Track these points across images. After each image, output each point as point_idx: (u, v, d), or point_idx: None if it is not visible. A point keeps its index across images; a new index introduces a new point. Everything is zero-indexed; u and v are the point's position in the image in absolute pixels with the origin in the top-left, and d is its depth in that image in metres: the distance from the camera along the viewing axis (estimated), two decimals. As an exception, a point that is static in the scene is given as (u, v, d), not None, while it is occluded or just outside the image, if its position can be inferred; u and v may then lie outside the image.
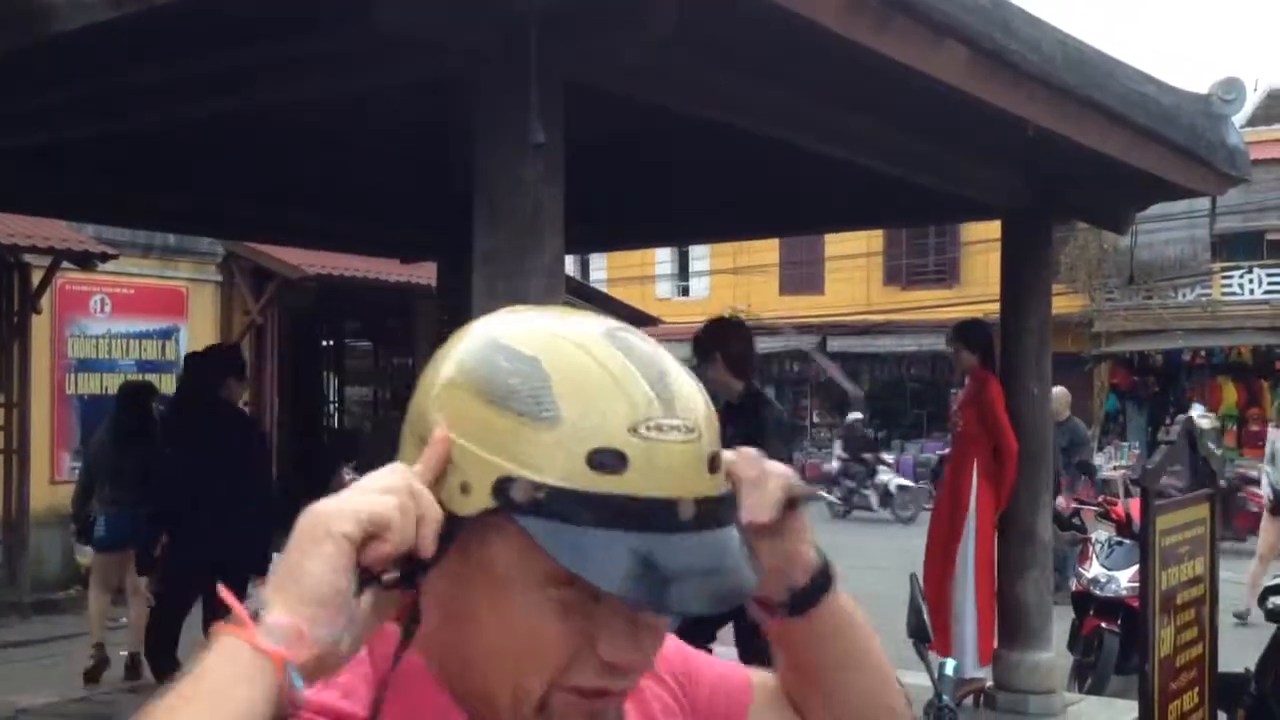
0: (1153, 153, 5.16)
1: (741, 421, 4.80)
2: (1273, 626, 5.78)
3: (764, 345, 25.87)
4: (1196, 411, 16.65)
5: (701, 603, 0.78)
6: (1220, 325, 21.22)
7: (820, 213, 7.54)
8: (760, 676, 1.08)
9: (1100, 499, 8.96)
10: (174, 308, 12.76)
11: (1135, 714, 4.46)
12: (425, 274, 9.99)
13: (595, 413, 0.78)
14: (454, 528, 0.79)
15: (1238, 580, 9.16)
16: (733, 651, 4.99)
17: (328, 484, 12.11)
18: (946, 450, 17.91)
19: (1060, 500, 8.67)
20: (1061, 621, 7.00)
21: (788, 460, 5.03)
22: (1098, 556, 7.42)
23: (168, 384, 9.43)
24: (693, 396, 0.82)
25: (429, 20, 3.10)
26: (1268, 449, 10.52)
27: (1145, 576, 4.29)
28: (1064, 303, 14.37)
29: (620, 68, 3.56)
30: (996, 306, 6.44)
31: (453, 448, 0.80)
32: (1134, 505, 6.93)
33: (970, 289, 21.60)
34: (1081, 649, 7.28)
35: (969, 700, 6.10)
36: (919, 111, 4.51)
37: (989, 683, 6.18)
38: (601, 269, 25.82)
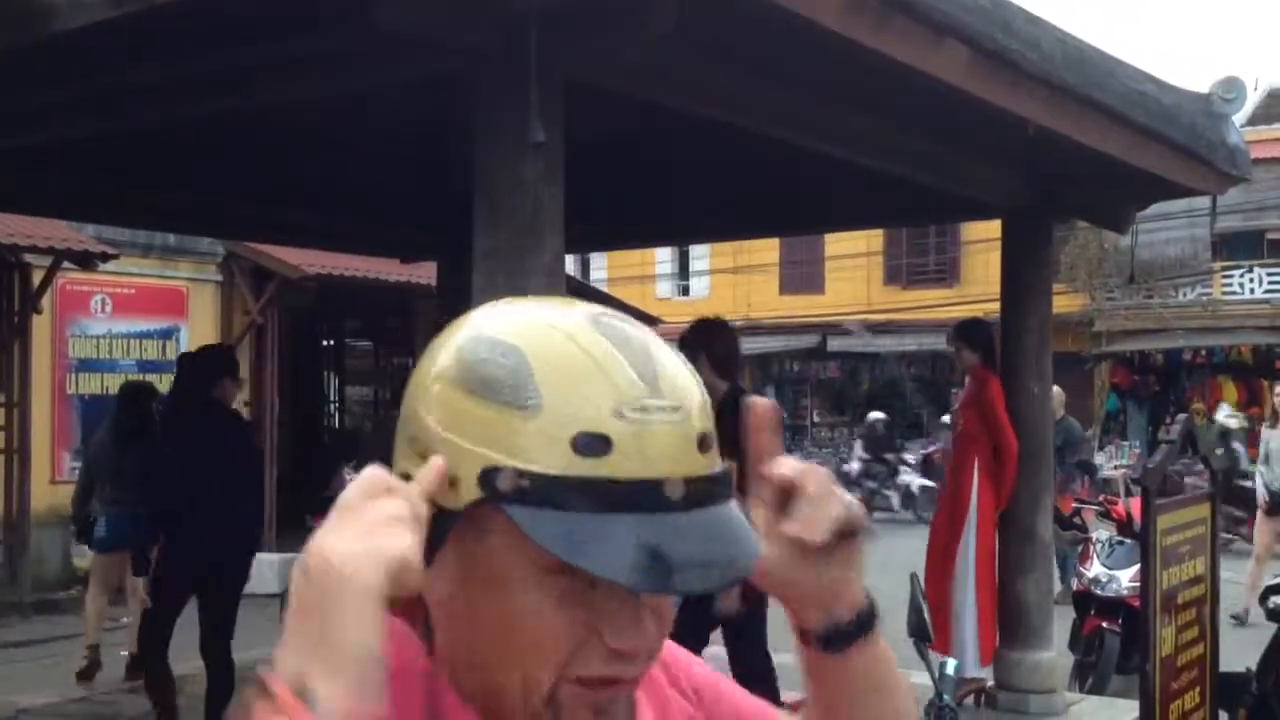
0: (1153, 152, 5.16)
1: (725, 421, 4.80)
2: (1273, 626, 5.78)
3: (766, 344, 25.95)
4: (1224, 412, 16.67)
5: (695, 581, 0.77)
6: (1221, 324, 21.23)
7: (820, 212, 7.54)
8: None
9: (1101, 498, 8.97)
10: (174, 307, 12.77)
11: (1136, 713, 4.46)
12: (425, 273, 10.00)
13: (578, 397, 0.77)
14: (446, 523, 0.79)
15: (1237, 580, 9.16)
16: (722, 651, 5.00)
17: (328, 484, 12.11)
18: (936, 448, 17.99)
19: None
20: (1062, 621, 7.00)
21: None
22: (1099, 556, 7.42)
23: (168, 384, 9.43)
24: (679, 378, 0.82)
25: (429, 19, 3.10)
26: (1261, 449, 10.50)
27: (1146, 576, 4.29)
28: (1064, 302, 14.36)
29: (620, 67, 3.56)
30: (997, 306, 6.43)
31: (439, 442, 0.80)
32: (1135, 505, 6.93)
33: (970, 288, 21.60)
34: (1082, 648, 7.28)
35: (970, 700, 6.09)
36: (919, 111, 4.51)
37: (990, 682, 6.18)
38: (602, 268, 25.83)
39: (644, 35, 3.21)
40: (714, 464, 0.82)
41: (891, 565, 5.00)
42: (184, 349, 10.84)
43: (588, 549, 0.75)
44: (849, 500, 0.90)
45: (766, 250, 24.34)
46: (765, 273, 25.63)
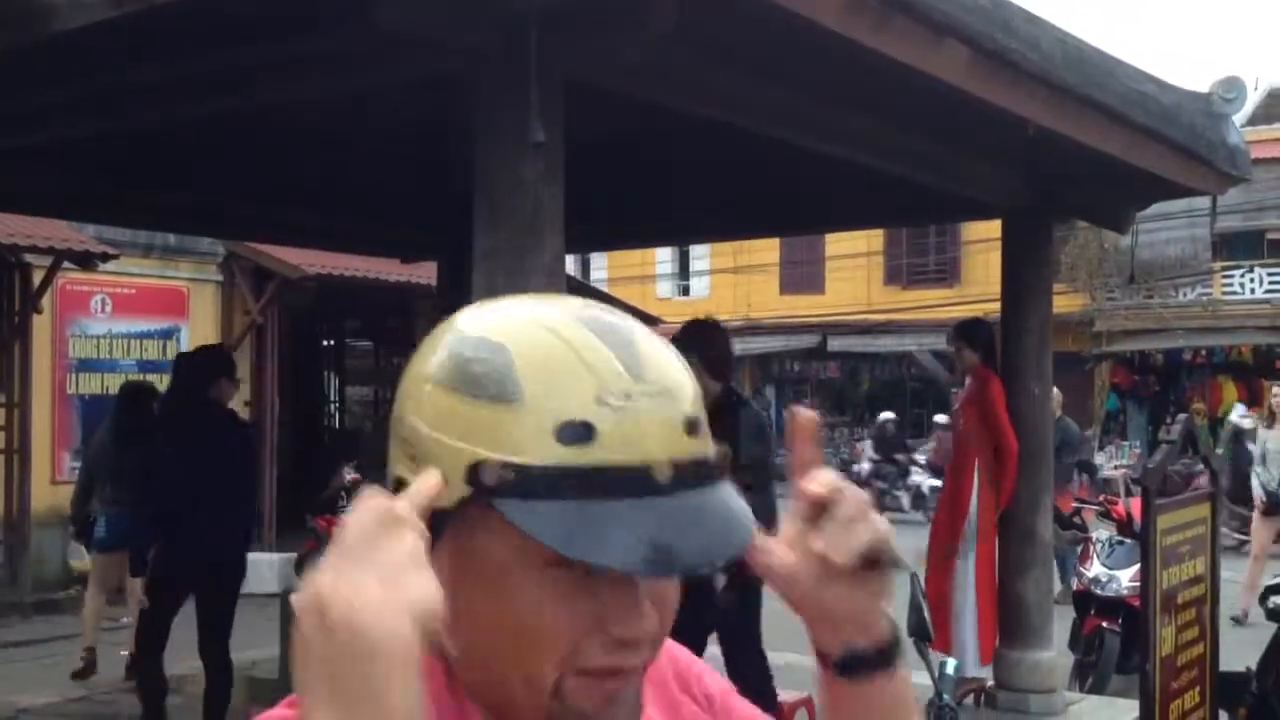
0: (1153, 152, 5.16)
1: (719, 422, 4.81)
2: (1273, 626, 5.78)
3: (766, 344, 25.96)
4: (1238, 412, 16.62)
5: (688, 563, 0.77)
6: (1221, 324, 21.23)
7: (820, 212, 7.54)
8: None
9: (1101, 498, 8.97)
10: (175, 307, 12.77)
11: (1136, 713, 4.46)
12: (425, 273, 10.00)
13: (561, 388, 0.78)
14: (440, 522, 0.79)
15: (1237, 580, 9.16)
16: (717, 653, 5.00)
17: (328, 484, 12.07)
18: (929, 447, 17.93)
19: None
20: (1062, 621, 7.00)
21: (765, 460, 5.06)
22: (1099, 556, 7.42)
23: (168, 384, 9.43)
24: (664, 364, 0.82)
25: (429, 19, 3.10)
26: (1258, 450, 10.49)
27: (1146, 576, 4.29)
28: (1064, 302, 14.35)
29: (620, 67, 3.56)
30: (997, 306, 6.43)
31: (428, 442, 0.80)
32: (1135, 504, 6.93)
33: (971, 288, 21.59)
34: (1082, 648, 7.28)
35: (970, 699, 6.10)
36: (919, 111, 4.51)
37: (990, 682, 6.18)
38: (602, 268, 25.83)
39: (644, 35, 3.22)
40: (705, 447, 0.81)
41: (909, 563, 5.00)
42: (184, 349, 10.85)
43: (578, 537, 0.75)
44: (882, 528, 0.87)
45: (766, 250, 24.33)
46: (765, 273, 25.63)
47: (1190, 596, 4.56)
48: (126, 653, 7.27)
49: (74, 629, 7.95)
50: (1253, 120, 20.19)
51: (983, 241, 19.55)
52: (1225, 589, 5.02)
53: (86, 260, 10.60)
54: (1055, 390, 9.98)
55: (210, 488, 5.42)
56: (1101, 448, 20.74)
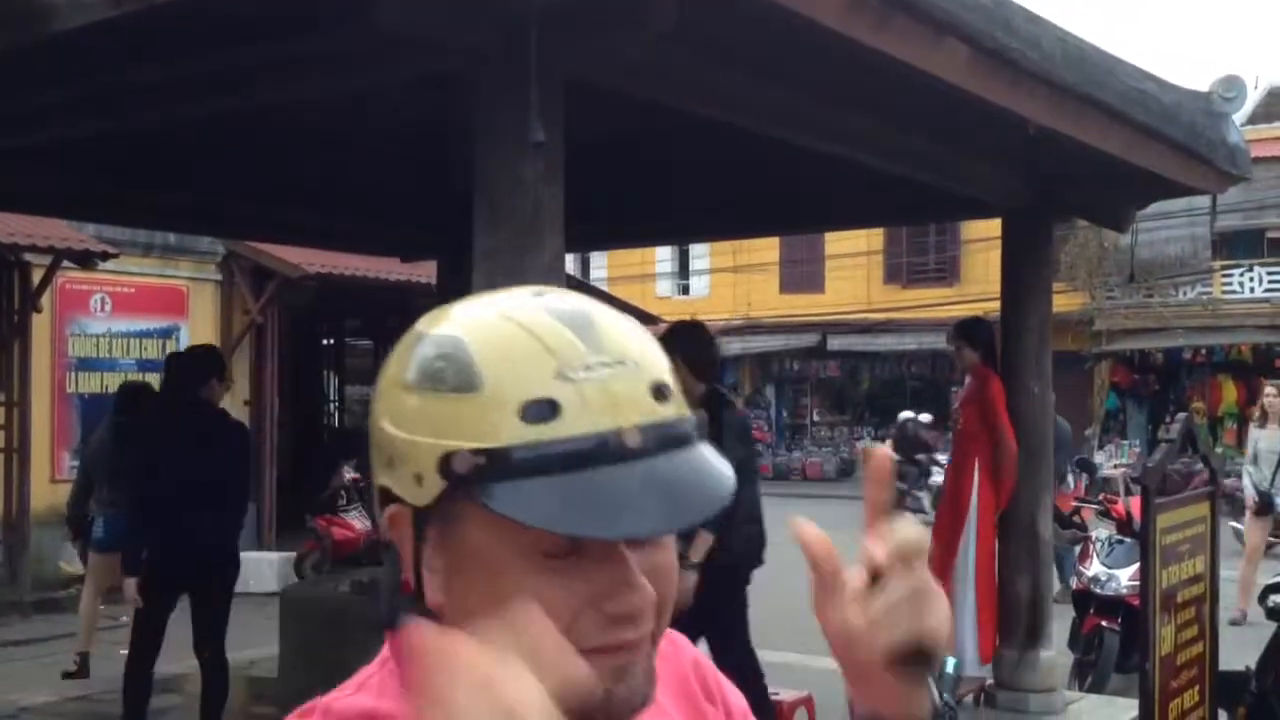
0: (1153, 151, 5.16)
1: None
2: (1273, 625, 5.78)
3: (766, 343, 25.97)
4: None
5: (663, 521, 0.78)
6: (1221, 323, 21.23)
7: (820, 211, 7.54)
8: None
9: (1101, 497, 8.96)
10: (174, 307, 12.77)
11: (1136, 712, 4.46)
12: (425, 273, 10.00)
13: (520, 369, 0.78)
14: (421, 522, 0.81)
15: (1236, 579, 9.15)
16: (704, 649, 5.00)
17: (328, 483, 12.03)
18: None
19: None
20: (1062, 620, 7.00)
21: (749, 460, 5.06)
22: (1098, 555, 7.42)
23: (168, 383, 9.43)
24: (624, 335, 0.82)
25: (429, 19, 3.10)
26: (1249, 449, 10.46)
27: (1146, 575, 4.29)
28: (1064, 301, 14.36)
29: (620, 66, 3.57)
30: (997, 305, 6.43)
31: (400, 444, 0.81)
32: (1134, 503, 6.93)
33: (970, 287, 21.60)
34: (1082, 647, 7.28)
35: (969, 698, 6.10)
36: (919, 110, 4.51)
37: (989, 681, 6.18)
38: (602, 267, 25.85)
39: (644, 35, 3.22)
40: (675, 411, 0.81)
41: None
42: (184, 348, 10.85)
43: (555, 512, 0.75)
44: (931, 623, 0.83)
45: (766, 249, 24.34)
46: (765, 272, 25.64)
47: (1190, 595, 4.56)
48: (126, 652, 7.27)
49: (74, 627, 7.94)
50: (1253, 119, 20.19)
51: (982, 240, 19.55)
52: (1225, 588, 5.02)
53: (86, 259, 10.60)
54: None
55: (202, 487, 5.43)
56: (1101, 446, 20.75)
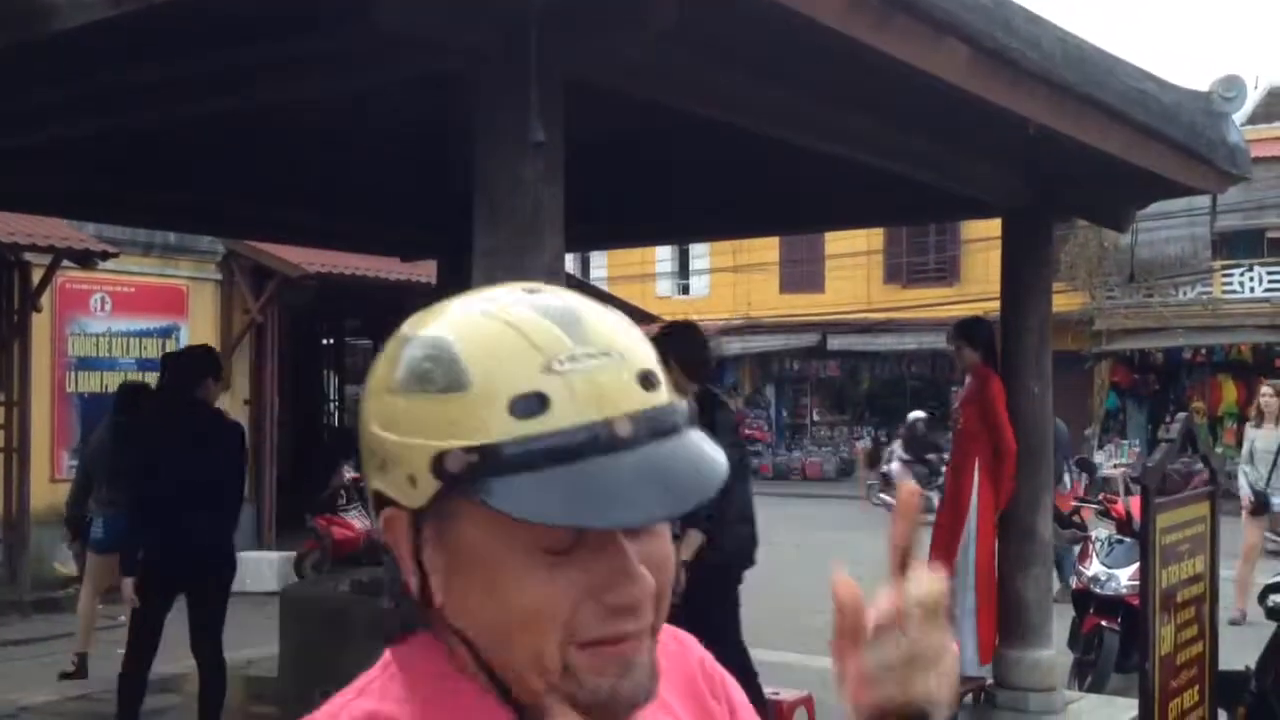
0: (1153, 151, 5.16)
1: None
2: (1273, 625, 5.78)
3: (766, 343, 25.97)
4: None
5: (656, 508, 0.78)
6: (1220, 323, 21.23)
7: (820, 211, 7.54)
8: None
9: (1100, 497, 8.96)
10: (174, 306, 12.77)
11: (1135, 712, 4.47)
12: (426, 272, 9.99)
13: (507, 365, 0.78)
14: (419, 523, 0.81)
15: (1234, 579, 9.15)
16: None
17: (327, 482, 12.03)
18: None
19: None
20: (1061, 619, 7.00)
21: (741, 460, 5.05)
22: (1098, 555, 7.42)
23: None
24: (610, 329, 0.82)
25: (429, 19, 3.10)
26: (1245, 448, 10.46)
27: (1145, 574, 4.29)
28: (1064, 301, 14.36)
29: (620, 66, 3.56)
30: (997, 305, 6.43)
31: (392, 447, 0.81)
32: (1134, 503, 6.93)
33: (970, 287, 21.60)
34: (1082, 647, 7.29)
35: (969, 698, 6.10)
36: (919, 110, 4.51)
37: (989, 680, 6.18)
38: (602, 267, 25.86)
39: (644, 35, 3.22)
40: (664, 399, 0.81)
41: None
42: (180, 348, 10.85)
43: (551, 505, 0.76)
44: (935, 689, 0.81)
45: (766, 249, 24.35)
46: (765, 271, 25.65)
47: (1189, 595, 4.56)
48: (123, 651, 7.28)
49: (73, 627, 7.95)
50: (1253, 119, 20.19)
51: (982, 240, 19.55)
52: (1224, 587, 5.02)
53: (86, 259, 10.61)
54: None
55: (200, 487, 5.44)
56: (1101, 446, 20.75)
